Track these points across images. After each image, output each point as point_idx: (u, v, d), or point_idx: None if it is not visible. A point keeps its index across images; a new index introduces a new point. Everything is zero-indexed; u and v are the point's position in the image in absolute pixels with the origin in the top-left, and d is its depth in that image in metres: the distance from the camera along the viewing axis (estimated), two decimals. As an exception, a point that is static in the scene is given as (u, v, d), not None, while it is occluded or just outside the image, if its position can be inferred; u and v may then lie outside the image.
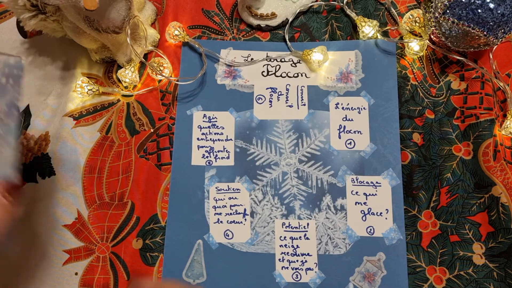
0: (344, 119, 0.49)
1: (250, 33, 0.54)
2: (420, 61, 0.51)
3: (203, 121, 0.50)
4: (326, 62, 0.51)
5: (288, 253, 0.46)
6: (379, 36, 0.51)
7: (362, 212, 0.47)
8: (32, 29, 0.47)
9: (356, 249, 0.46)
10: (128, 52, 0.51)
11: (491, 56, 0.49)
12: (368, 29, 0.51)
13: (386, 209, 0.46)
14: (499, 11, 0.43)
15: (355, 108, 0.50)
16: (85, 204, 0.48)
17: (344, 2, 0.53)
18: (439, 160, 0.47)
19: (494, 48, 0.49)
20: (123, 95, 0.52)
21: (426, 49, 0.51)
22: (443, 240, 0.45)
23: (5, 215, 0.33)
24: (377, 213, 0.46)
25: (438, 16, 0.46)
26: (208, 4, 0.55)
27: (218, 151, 0.49)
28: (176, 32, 0.52)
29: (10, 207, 0.33)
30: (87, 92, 0.51)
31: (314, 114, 0.50)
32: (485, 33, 0.44)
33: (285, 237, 0.46)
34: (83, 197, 0.48)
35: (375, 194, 0.47)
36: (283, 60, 0.52)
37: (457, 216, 0.46)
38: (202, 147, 0.50)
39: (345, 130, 0.49)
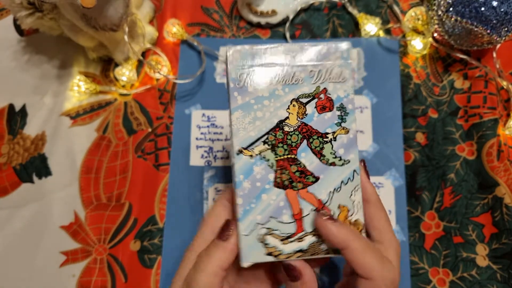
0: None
1: (250, 30, 0.53)
2: (423, 59, 0.50)
3: (202, 120, 0.50)
4: (327, 61, 0.51)
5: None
6: (382, 34, 0.51)
7: (364, 213, 0.46)
8: (29, 27, 0.46)
9: (358, 251, 0.45)
10: (126, 50, 0.50)
11: (494, 55, 0.48)
12: (371, 26, 0.50)
13: (389, 210, 0.46)
14: (502, 9, 0.42)
15: (357, 107, 0.49)
16: (82, 205, 0.47)
17: (346, -1, 0.52)
18: (443, 160, 0.47)
19: (497, 47, 0.49)
20: (121, 94, 0.51)
21: (429, 48, 0.50)
22: (447, 242, 0.44)
23: None
24: (379, 214, 0.46)
25: (441, 14, 0.45)
26: (207, 1, 0.54)
27: (218, 151, 0.48)
28: (175, 30, 0.51)
29: None
30: (84, 91, 0.50)
31: (315, 113, 0.49)
32: (488, 31, 0.43)
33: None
34: (80, 198, 0.48)
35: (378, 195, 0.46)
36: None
37: (460, 217, 0.45)
38: (201, 147, 0.49)
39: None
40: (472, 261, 0.44)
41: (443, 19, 0.45)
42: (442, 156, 0.47)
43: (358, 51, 0.51)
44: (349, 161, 0.30)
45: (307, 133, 0.30)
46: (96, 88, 0.50)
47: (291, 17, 0.52)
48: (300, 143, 0.29)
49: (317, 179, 0.30)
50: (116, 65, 0.52)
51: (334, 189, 0.30)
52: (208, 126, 0.49)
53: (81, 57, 0.53)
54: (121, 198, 0.47)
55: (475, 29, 0.43)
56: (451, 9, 0.44)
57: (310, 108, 0.30)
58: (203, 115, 0.50)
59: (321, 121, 0.30)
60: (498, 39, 0.44)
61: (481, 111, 0.47)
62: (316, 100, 0.30)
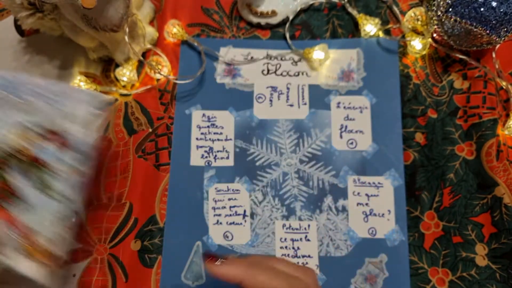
0: (346, 118, 0.49)
1: (250, 31, 0.53)
2: (423, 59, 0.50)
3: (202, 120, 0.50)
4: (327, 61, 0.51)
5: (288, 255, 0.45)
6: (381, 35, 0.51)
7: (364, 213, 0.46)
8: (30, 27, 0.46)
9: (358, 251, 0.45)
10: (126, 50, 0.50)
11: (494, 55, 0.49)
12: (370, 27, 0.50)
13: (388, 210, 0.46)
14: (501, 10, 0.42)
15: (357, 108, 0.49)
16: (82, 205, 0.47)
17: (345, 0, 0.52)
18: (442, 160, 0.47)
19: (497, 47, 0.49)
20: (121, 94, 0.51)
21: (428, 48, 0.50)
22: (446, 241, 0.45)
23: None
24: (379, 214, 0.46)
25: (441, 15, 0.45)
26: (208, 1, 0.54)
27: (218, 151, 0.49)
28: (175, 30, 0.51)
29: None
30: (84, 91, 0.50)
31: (315, 113, 0.49)
32: (487, 31, 0.43)
33: (285, 239, 0.46)
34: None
35: (377, 195, 0.46)
36: (283, 58, 0.51)
37: (460, 217, 0.45)
38: (201, 147, 0.49)
39: (347, 130, 0.48)
40: (472, 261, 0.44)
41: (443, 20, 0.46)
42: (442, 156, 0.47)
43: (357, 52, 0.51)
44: (71, 200, 0.31)
45: (33, 160, 0.30)
46: (97, 88, 0.51)
47: (291, 17, 0.52)
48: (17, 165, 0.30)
49: (25, 202, 0.30)
50: (117, 65, 0.52)
51: (48, 220, 0.30)
52: (208, 126, 0.50)
53: (82, 58, 0.53)
54: (121, 198, 0.47)
55: (475, 29, 0.44)
56: (450, 9, 0.44)
57: (45, 142, 0.30)
58: (203, 115, 0.50)
59: (53, 155, 0.31)
60: (497, 39, 0.44)
61: (481, 111, 0.47)
62: (50, 135, 0.31)
